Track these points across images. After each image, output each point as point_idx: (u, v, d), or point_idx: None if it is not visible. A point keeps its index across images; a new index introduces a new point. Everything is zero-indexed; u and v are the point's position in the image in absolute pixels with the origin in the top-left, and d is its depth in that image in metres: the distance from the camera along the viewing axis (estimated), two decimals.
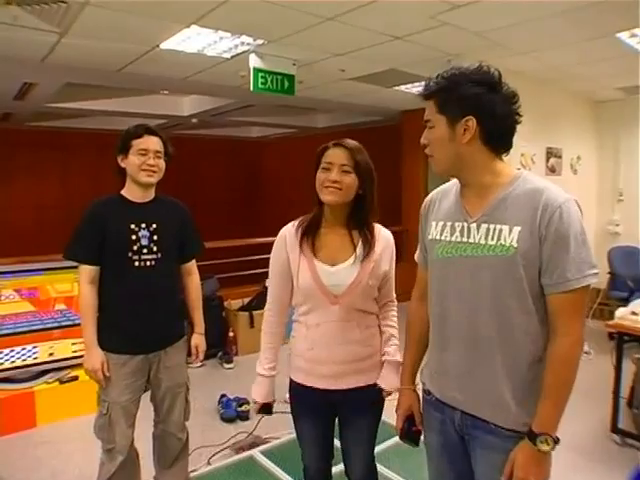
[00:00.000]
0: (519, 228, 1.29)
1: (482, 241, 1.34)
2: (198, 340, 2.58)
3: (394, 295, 1.92)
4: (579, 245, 1.26)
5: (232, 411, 3.72)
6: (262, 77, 4.15)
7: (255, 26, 3.45)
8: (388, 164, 8.04)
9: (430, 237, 1.50)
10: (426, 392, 1.57)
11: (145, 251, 2.25)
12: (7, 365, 3.67)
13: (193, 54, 4.06)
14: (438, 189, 1.58)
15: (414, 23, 3.36)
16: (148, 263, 2.26)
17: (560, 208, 1.26)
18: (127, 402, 2.29)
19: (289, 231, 1.83)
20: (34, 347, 3.76)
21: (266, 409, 1.91)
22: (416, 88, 5.44)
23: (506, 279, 1.31)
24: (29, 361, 3.74)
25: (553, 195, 1.28)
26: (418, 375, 1.65)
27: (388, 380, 1.81)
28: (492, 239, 1.33)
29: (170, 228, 2.35)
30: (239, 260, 5.90)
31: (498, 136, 1.36)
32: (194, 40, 3.75)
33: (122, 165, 2.25)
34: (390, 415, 1.77)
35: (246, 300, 5.55)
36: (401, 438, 1.65)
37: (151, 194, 2.34)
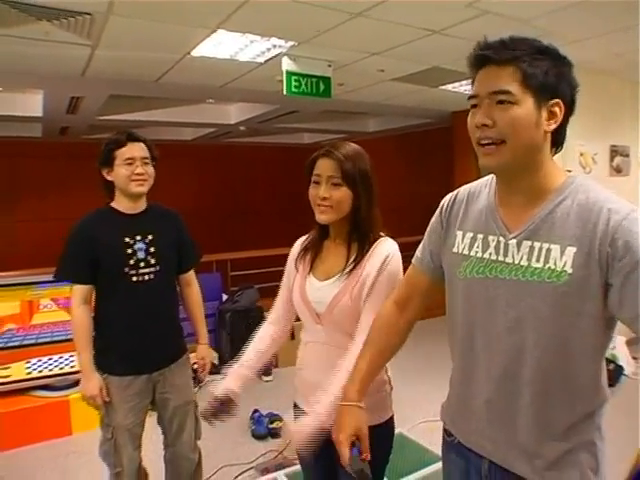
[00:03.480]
0: (574, 249, 1.02)
1: (524, 262, 1.07)
2: (204, 352, 2.47)
3: (364, 326, 1.52)
4: None
5: (263, 428, 3.59)
6: (296, 80, 4.03)
7: (282, 27, 3.33)
8: (440, 168, 7.76)
9: (455, 250, 1.22)
10: (447, 433, 1.32)
11: (142, 265, 2.14)
12: (45, 372, 3.73)
13: (226, 60, 4.00)
14: (463, 189, 1.28)
15: (450, 14, 3.11)
16: (146, 277, 2.14)
17: (625, 220, 0.99)
18: (132, 425, 2.19)
19: (296, 244, 1.76)
20: (70, 356, 3.79)
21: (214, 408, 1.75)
22: (464, 87, 5.15)
23: (558, 313, 1.04)
24: (66, 369, 3.78)
25: (615, 206, 1.01)
26: (436, 411, 1.38)
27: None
28: (538, 261, 1.06)
29: (167, 238, 2.23)
30: (284, 270, 5.80)
31: (564, 130, 1.10)
32: (225, 45, 3.69)
33: (109, 178, 2.15)
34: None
35: None
36: (351, 471, 1.23)
37: (143, 204, 2.22)
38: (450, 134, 6.93)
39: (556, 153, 1.12)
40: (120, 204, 2.19)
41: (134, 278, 2.11)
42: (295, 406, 1.74)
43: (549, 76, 1.03)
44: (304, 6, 2.91)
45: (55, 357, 3.76)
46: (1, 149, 7.76)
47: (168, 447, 2.37)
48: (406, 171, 9.21)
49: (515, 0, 2.94)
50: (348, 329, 1.52)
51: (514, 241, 1.10)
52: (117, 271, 2.09)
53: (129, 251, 2.11)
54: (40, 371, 3.70)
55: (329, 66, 4.11)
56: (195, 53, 3.80)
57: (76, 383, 3.76)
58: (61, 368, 3.77)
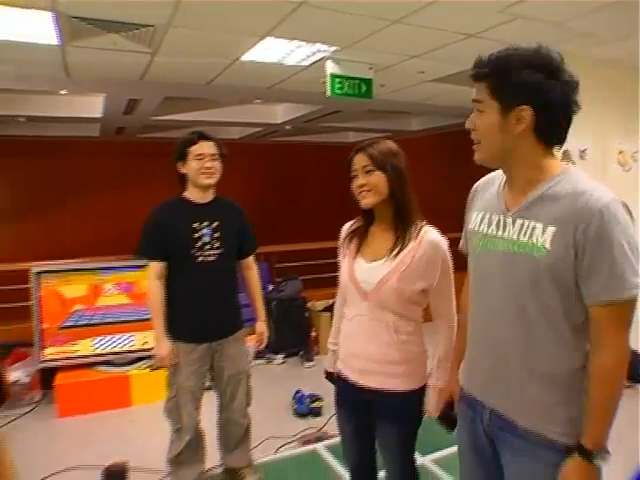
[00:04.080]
0: (553, 229, 1.21)
1: (514, 237, 1.28)
2: (262, 327, 2.75)
3: (448, 311, 1.81)
4: (623, 253, 1.15)
5: (304, 407, 3.86)
6: (339, 82, 4.26)
7: (326, 33, 3.57)
8: (484, 167, 7.79)
9: (470, 227, 1.46)
10: (461, 389, 1.54)
11: (207, 247, 2.45)
12: (108, 350, 4.11)
13: (273, 64, 4.26)
14: (485, 177, 1.52)
15: (483, 19, 3.27)
16: (210, 258, 2.45)
17: (602, 211, 1.15)
18: (193, 386, 2.50)
19: (343, 229, 1.96)
20: (131, 336, 4.16)
21: (330, 378, 2.05)
22: None
23: (535, 282, 1.23)
24: (126, 348, 4.16)
25: (595, 196, 1.18)
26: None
27: (429, 406, 1.81)
28: (524, 235, 1.26)
29: (230, 225, 2.54)
30: (325, 262, 6.05)
31: (554, 129, 1.26)
32: (272, 51, 3.95)
33: (182, 171, 2.48)
34: None
35: (330, 301, 5.68)
36: (438, 418, 1.72)
37: (210, 195, 2.54)
38: None
39: (557, 149, 1.31)
40: (191, 194, 2.52)
41: (199, 259, 2.43)
42: (338, 376, 1.95)
43: (517, 86, 1.21)
44: (346, 15, 3.14)
45: (117, 336, 4.14)
46: (63, 148, 8.31)
47: (222, 412, 2.67)
48: (448, 169, 9.30)
49: (548, 2, 3.07)
50: (391, 306, 1.75)
51: (510, 219, 1.31)
52: (185, 252, 2.41)
53: (196, 235, 2.43)
54: (104, 348, 4.09)
55: (370, 69, 4.32)
56: (244, 58, 4.08)
57: (135, 361, 4.15)
58: (122, 347, 4.15)
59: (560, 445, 1.26)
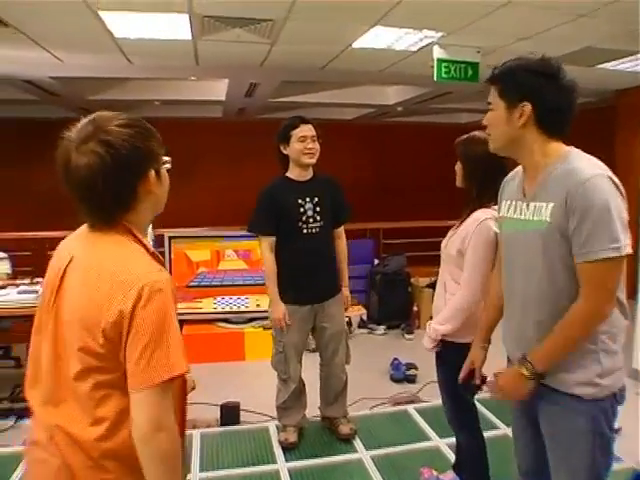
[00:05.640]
0: (552, 204, 1.43)
1: (529, 217, 1.51)
2: (346, 292, 3.02)
3: (466, 280, 2.08)
4: (602, 218, 1.34)
5: (400, 373, 4.11)
6: (445, 67, 4.36)
7: (433, 20, 3.71)
8: (597, 147, 7.34)
9: (501, 214, 1.71)
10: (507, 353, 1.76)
11: (311, 220, 2.76)
12: (227, 309, 4.67)
13: (383, 49, 4.47)
14: (513, 171, 1.75)
15: None
16: (313, 230, 2.77)
17: (586, 183, 1.36)
18: (297, 342, 2.85)
19: None
20: (246, 298, 4.67)
21: None
22: (626, 65, 5.01)
23: (547, 251, 1.45)
24: (242, 308, 4.68)
25: (584, 172, 1.38)
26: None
27: (424, 340, 2.19)
28: (535, 215, 1.49)
29: (328, 200, 2.82)
30: (430, 241, 6.18)
31: (552, 121, 1.49)
32: (382, 37, 4.16)
33: (285, 152, 2.79)
34: None
35: (433, 279, 5.82)
36: (460, 385, 1.93)
37: (310, 173, 2.84)
38: (611, 113, 6.64)
39: (561, 137, 1.52)
40: (293, 173, 2.84)
41: (304, 231, 2.76)
42: None
43: (520, 87, 1.47)
44: (450, 1, 3.27)
45: (235, 297, 4.68)
46: (187, 128, 9.09)
47: (323, 366, 3.01)
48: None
49: None
50: (450, 271, 2.15)
51: (526, 203, 1.54)
52: (292, 225, 2.75)
53: (301, 210, 2.76)
54: (223, 307, 4.65)
55: (478, 52, 4.36)
56: (356, 45, 4.33)
57: (250, 320, 4.64)
58: (239, 307, 4.68)
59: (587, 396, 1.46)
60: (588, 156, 1.48)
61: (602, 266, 1.37)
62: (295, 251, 2.79)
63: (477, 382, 1.85)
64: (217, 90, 6.89)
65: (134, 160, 1.13)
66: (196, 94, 7.13)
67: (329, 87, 7.21)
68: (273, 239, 2.80)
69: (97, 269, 1.11)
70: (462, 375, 1.90)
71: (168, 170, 1.26)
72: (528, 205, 1.53)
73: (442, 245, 2.21)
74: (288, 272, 2.81)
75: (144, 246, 1.17)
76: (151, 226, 2.33)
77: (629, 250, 1.36)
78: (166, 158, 1.24)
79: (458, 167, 2.17)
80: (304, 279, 2.79)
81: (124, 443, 1.08)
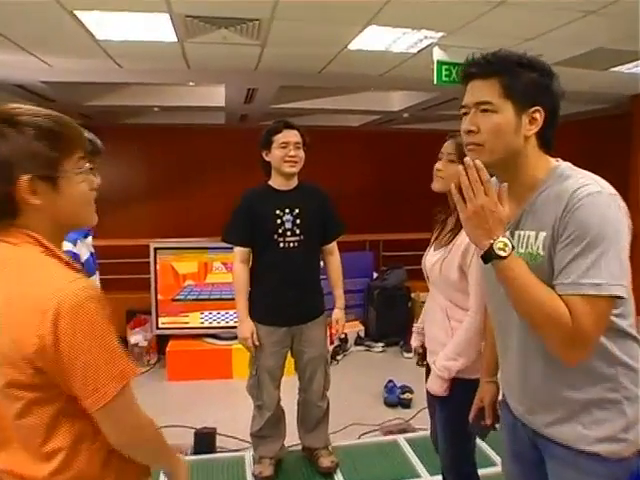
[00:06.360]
0: (544, 234, 1.17)
1: (516, 249, 1.20)
2: (339, 314, 2.78)
3: (472, 303, 1.77)
4: (593, 247, 1.08)
5: (394, 397, 3.87)
6: (446, 69, 4.11)
7: (429, 18, 3.47)
8: (613, 157, 7.00)
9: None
10: (503, 394, 1.51)
11: (289, 234, 2.53)
12: (214, 324, 4.45)
13: (381, 51, 4.24)
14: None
15: None
16: (291, 244, 2.54)
17: (582, 201, 1.10)
18: (272, 366, 2.63)
19: None
20: (235, 313, 4.44)
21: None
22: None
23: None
24: (230, 323, 4.45)
25: (580, 190, 1.12)
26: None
27: (429, 384, 1.84)
28: (521, 247, 1.22)
29: (312, 212, 2.58)
30: None
31: (551, 133, 1.24)
32: (378, 38, 3.93)
33: (267, 159, 2.57)
34: None
35: None
36: (471, 425, 1.71)
37: (294, 182, 2.61)
38: (627, 120, 6.33)
39: (550, 150, 1.27)
40: (275, 181, 2.62)
41: (281, 245, 2.53)
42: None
43: (529, 87, 1.17)
44: None
45: (222, 312, 4.47)
46: (188, 134, 8.96)
47: (301, 391, 2.79)
48: (573, 162, 8.55)
49: None
50: (448, 295, 1.81)
51: (508, 232, 1.23)
52: (267, 237, 2.52)
53: (278, 221, 2.53)
54: (211, 322, 4.44)
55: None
56: (352, 47, 4.10)
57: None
58: (227, 322, 4.47)
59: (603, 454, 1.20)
60: (583, 171, 1.23)
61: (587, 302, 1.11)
62: (269, 265, 2.57)
63: (488, 422, 1.63)
64: (217, 96, 6.74)
65: None
66: (195, 100, 6.98)
67: (331, 93, 7.02)
68: (246, 250, 2.59)
69: (5, 295, 0.97)
70: (472, 415, 1.67)
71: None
72: (512, 234, 1.25)
73: (427, 267, 1.90)
74: (262, 289, 2.60)
75: (57, 257, 1.03)
76: (90, 237, 2.13)
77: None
78: (87, 165, 1.07)
79: (453, 171, 1.83)
80: (278, 297, 2.57)
81: (80, 472, 1.02)
